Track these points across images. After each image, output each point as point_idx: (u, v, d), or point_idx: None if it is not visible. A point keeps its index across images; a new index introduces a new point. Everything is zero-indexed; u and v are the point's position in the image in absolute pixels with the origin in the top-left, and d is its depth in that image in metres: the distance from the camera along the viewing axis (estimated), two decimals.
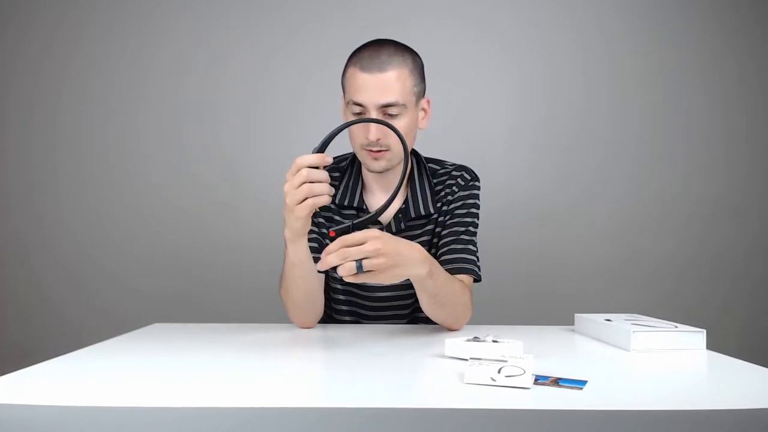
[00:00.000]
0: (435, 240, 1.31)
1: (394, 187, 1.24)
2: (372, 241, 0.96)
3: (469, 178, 1.34)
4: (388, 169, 1.25)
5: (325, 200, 1.00)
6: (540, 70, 2.08)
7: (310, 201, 0.99)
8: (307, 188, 0.98)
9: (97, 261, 2.09)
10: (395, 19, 2.05)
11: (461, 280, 1.23)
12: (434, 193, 1.32)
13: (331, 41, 2.05)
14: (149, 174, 2.09)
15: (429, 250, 1.28)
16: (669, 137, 2.08)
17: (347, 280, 0.97)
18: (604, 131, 2.08)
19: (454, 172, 1.34)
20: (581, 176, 2.07)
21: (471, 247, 1.28)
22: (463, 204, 1.31)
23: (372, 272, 0.97)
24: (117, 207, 2.09)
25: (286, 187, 1.00)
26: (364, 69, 1.17)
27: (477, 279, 1.28)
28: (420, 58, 1.25)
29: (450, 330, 1.23)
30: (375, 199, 1.32)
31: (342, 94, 1.27)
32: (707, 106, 2.08)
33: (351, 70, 1.20)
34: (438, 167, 1.37)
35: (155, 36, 2.09)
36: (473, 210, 1.31)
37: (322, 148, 0.99)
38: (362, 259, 0.95)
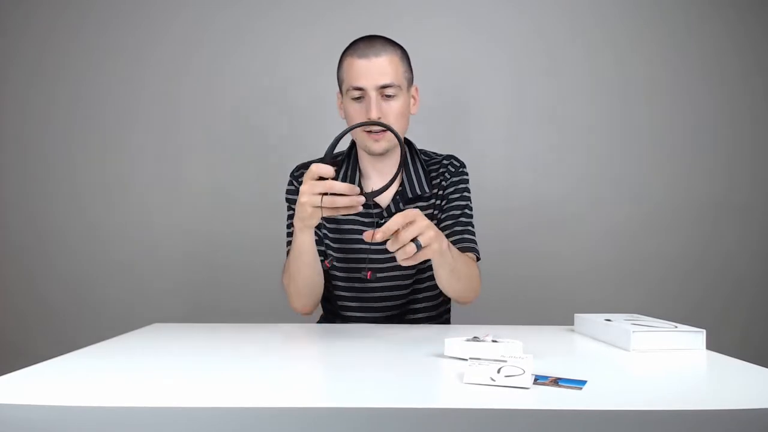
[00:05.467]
0: (434, 222, 1.35)
1: (390, 171, 1.37)
2: (419, 218, 1.02)
3: (458, 164, 1.43)
4: (387, 150, 1.33)
5: (344, 211, 1.04)
6: (543, 71, 2.08)
7: (327, 211, 1.03)
8: (330, 200, 1.02)
9: (97, 261, 2.09)
10: (396, 19, 2.06)
11: (468, 255, 1.32)
12: (427, 173, 1.40)
13: (330, 42, 2.06)
14: (149, 174, 2.09)
15: None
16: (670, 138, 2.08)
17: (406, 263, 1.02)
18: (604, 131, 2.08)
19: (444, 161, 1.43)
20: (581, 176, 2.07)
21: (470, 228, 1.38)
22: (455, 189, 1.39)
23: (426, 247, 1.02)
24: (117, 206, 2.09)
25: (305, 188, 1.03)
26: (361, 56, 1.28)
27: (477, 258, 1.36)
28: (406, 51, 1.35)
29: (464, 304, 1.32)
30: (373, 184, 1.40)
31: (337, 90, 1.38)
32: (709, 106, 2.08)
33: (348, 60, 1.30)
34: (427, 158, 1.45)
35: (152, 38, 2.09)
36: (466, 194, 1.40)
37: (329, 157, 1.04)
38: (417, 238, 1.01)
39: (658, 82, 2.08)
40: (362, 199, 1.01)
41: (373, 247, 1.32)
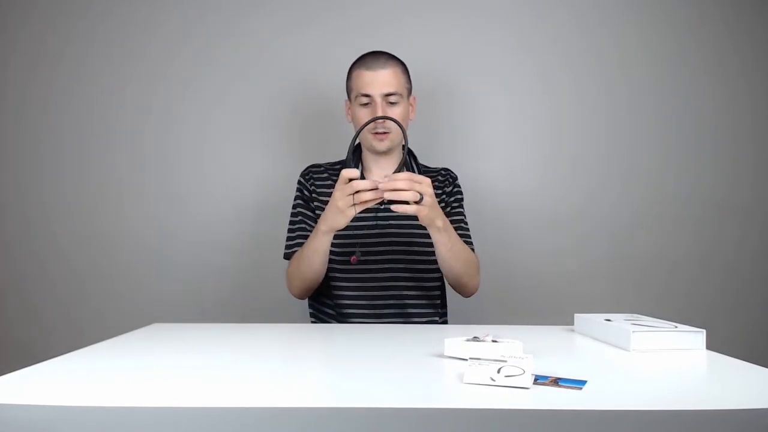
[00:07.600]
0: None
1: (390, 168, 1.56)
2: (426, 182, 1.23)
3: (454, 175, 1.67)
4: (390, 149, 1.53)
5: (373, 203, 1.22)
6: (544, 73, 2.08)
7: (359, 206, 1.23)
8: (358, 197, 1.21)
9: (96, 260, 2.08)
10: (397, 19, 2.06)
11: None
12: (420, 173, 1.61)
13: (326, 44, 2.06)
14: (148, 173, 2.09)
15: None
16: (672, 137, 2.08)
17: (400, 210, 1.21)
18: (604, 131, 2.08)
19: (442, 171, 1.66)
20: (582, 176, 2.07)
21: (465, 227, 1.59)
22: (455, 199, 1.62)
23: (422, 206, 1.22)
24: (117, 206, 2.09)
25: (338, 194, 1.23)
26: (369, 68, 1.47)
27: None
28: (406, 65, 1.55)
29: (464, 291, 1.52)
30: (373, 176, 1.56)
31: (346, 98, 1.58)
32: (711, 106, 2.08)
33: (357, 72, 1.50)
34: (424, 167, 1.67)
35: (141, 38, 2.09)
36: (460, 198, 1.63)
37: (350, 161, 1.25)
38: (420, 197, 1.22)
39: (660, 81, 2.08)
40: (383, 192, 1.19)
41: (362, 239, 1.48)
